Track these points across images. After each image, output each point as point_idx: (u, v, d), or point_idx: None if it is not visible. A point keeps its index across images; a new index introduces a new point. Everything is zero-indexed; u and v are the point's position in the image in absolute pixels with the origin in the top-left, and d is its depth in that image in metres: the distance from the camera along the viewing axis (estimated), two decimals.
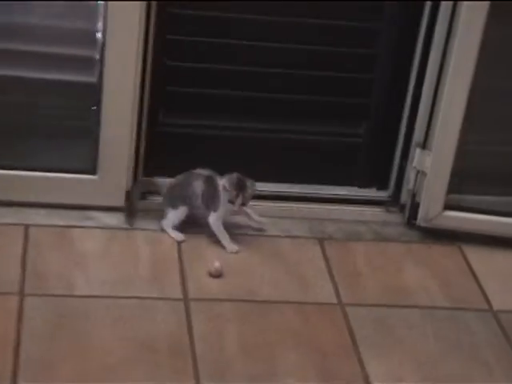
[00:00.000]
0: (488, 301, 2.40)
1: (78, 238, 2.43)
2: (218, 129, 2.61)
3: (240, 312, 2.26)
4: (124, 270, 2.35)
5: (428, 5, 2.48)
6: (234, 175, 2.45)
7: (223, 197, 2.45)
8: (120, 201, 2.50)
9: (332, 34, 2.53)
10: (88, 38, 2.43)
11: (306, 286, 2.38)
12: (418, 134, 2.55)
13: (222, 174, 2.47)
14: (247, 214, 2.53)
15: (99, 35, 2.38)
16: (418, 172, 2.56)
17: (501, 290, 2.45)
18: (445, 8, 2.43)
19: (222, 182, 2.45)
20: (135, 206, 2.53)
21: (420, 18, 2.49)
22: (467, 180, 2.62)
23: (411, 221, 2.60)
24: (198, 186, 2.47)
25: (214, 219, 2.46)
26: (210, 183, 2.47)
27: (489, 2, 2.39)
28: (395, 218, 2.64)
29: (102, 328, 2.15)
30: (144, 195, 2.58)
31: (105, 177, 2.48)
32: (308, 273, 2.42)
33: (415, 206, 2.58)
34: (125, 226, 2.49)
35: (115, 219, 2.50)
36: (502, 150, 2.63)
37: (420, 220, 2.57)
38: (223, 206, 2.45)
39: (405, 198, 2.63)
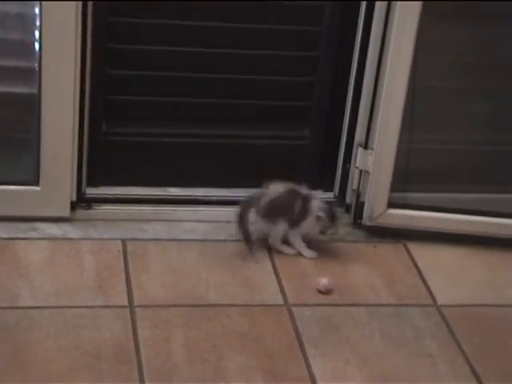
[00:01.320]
0: (432, 296, 2.43)
1: (23, 249, 2.42)
2: (163, 136, 2.60)
3: (186, 317, 2.26)
4: (69, 279, 2.35)
5: (363, 5, 2.47)
6: (329, 206, 2.49)
7: (312, 221, 2.46)
8: (64, 211, 2.50)
9: (273, 38, 2.53)
10: (27, 49, 2.41)
11: (253, 288, 2.39)
12: (359, 135, 2.58)
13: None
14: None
15: (37, 45, 2.40)
16: (362, 172, 2.59)
17: (444, 284, 2.47)
18: (379, 9, 2.44)
19: (316, 207, 2.45)
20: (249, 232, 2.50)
21: (357, 20, 2.50)
22: (410, 178, 2.64)
23: (357, 220, 2.63)
24: (298, 205, 2.47)
25: (294, 237, 2.46)
26: (306, 203, 2.47)
27: (421, 2, 2.41)
28: (341, 218, 2.63)
29: (45, 338, 2.15)
30: (90, 205, 2.57)
31: (48, 188, 2.48)
32: (254, 275, 2.43)
33: (360, 206, 2.61)
34: (70, 236, 2.46)
35: (60, 230, 2.50)
36: (443, 148, 2.64)
37: (365, 219, 2.60)
38: (307, 226, 2.46)
39: (350, 198, 2.65)
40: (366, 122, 2.54)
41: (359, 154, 2.58)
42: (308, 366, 2.16)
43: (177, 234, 2.55)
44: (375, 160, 2.54)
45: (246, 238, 2.48)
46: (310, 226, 2.50)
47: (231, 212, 2.57)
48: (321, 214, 2.48)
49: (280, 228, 2.49)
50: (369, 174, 2.56)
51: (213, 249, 2.50)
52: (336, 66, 2.58)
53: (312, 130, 2.65)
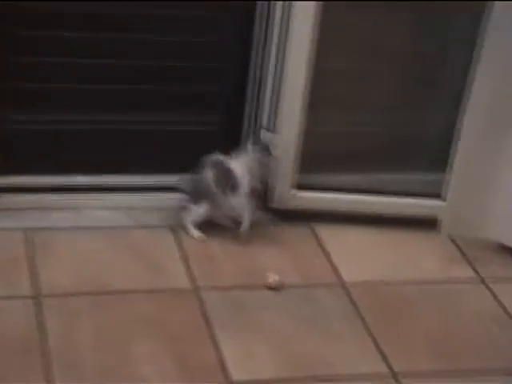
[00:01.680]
0: (339, 276, 2.46)
1: None
2: (69, 123, 2.57)
3: (93, 304, 2.25)
4: None
5: None
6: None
7: (240, 178, 2.43)
8: None
9: (178, 24, 2.52)
10: None
11: (161, 273, 2.39)
12: (264, 118, 2.58)
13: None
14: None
15: None
16: None
17: (351, 264, 2.50)
18: None
19: (236, 164, 2.42)
20: None
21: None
22: (316, 160, 2.66)
23: (265, 204, 2.63)
24: (209, 174, 2.45)
25: (237, 200, 2.45)
26: (220, 167, 2.45)
27: None
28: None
29: None
30: None
31: None
32: (162, 260, 2.43)
33: (268, 189, 2.62)
34: None
35: None
36: (349, 129, 2.68)
37: (273, 202, 2.61)
38: (242, 186, 2.44)
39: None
40: (271, 106, 2.55)
41: (264, 136, 2.56)
42: (217, 349, 2.17)
43: (83, 222, 2.53)
44: (280, 143, 2.54)
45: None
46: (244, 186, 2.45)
47: (138, 199, 2.58)
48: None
49: (200, 210, 2.48)
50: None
51: (119, 235, 2.49)
52: (240, 50, 2.56)
53: (220, 115, 2.63)
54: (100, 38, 2.50)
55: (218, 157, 2.45)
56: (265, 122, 2.59)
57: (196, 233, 2.50)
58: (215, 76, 2.61)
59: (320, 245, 2.57)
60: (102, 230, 2.50)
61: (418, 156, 2.78)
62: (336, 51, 2.62)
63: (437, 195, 2.67)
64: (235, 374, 2.10)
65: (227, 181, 2.44)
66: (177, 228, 2.56)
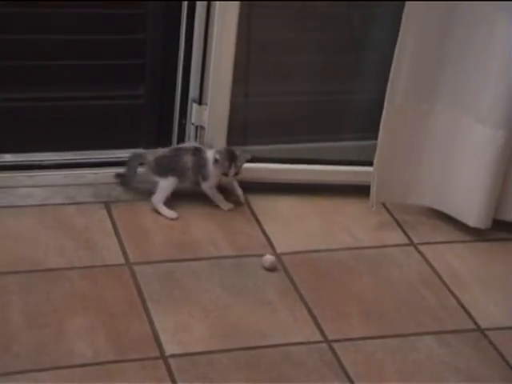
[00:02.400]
0: (272, 245, 2.47)
1: None
2: None
3: (25, 283, 2.24)
4: None
5: None
6: (224, 148, 2.49)
7: (213, 168, 2.46)
8: None
9: None
10: None
11: (93, 249, 2.38)
12: (193, 90, 2.59)
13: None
14: (233, 186, 2.55)
15: None
16: (197, 127, 2.60)
17: (284, 234, 2.52)
18: None
19: (212, 154, 2.46)
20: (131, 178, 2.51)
21: None
22: (246, 131, 2.69)
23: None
24: (188, 160, 2.49)
25: (207, 187, 2.49)
26: (199, 155, 2.50)
27: None
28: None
29: None
30: None
31: None
32: (94, 237, 2.42)
33: None
34: None
35: None
36: (276, 99, 2.68)
37: None
38: (213, 176, 2.47)
39: None
40: (199, 78, 2.55)
41: (194, 109, 2.58)
42: (151, 323, 2.17)
43: (13, 200, 2.51)
44: (210, 115, 2.55)
45: (125, 183, 2.52)
46: (214, 173, 2.50)
47: (68, 176, 2.56)
48: (217, 157, 2.50)
49: (167, 184, 2.49)
50: (204, 129, 2.58)
51: (51, 213, 2.48)
52: (166, 22, 2.55)
53: (147, 88, 2.63)
54: (21, 12, 2.46)
55: (196, 144, 2.51)
56: (194, 94, 2.58)
57: (168, 212, 2.49)
58: (142, 49, 2.57)
59: (253, 215, 2.58)
60: (34, 208, 2.48)
61: (350, 124, 2.80)
62: (265, 22, 2.65)
63: (370, 163, 2.70)
64: (169, 347, 2.10)
65: (201, 170, 2.49)
66: (108, 203, 2.55)
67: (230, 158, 2.51)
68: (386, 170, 2.52)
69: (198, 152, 2.54)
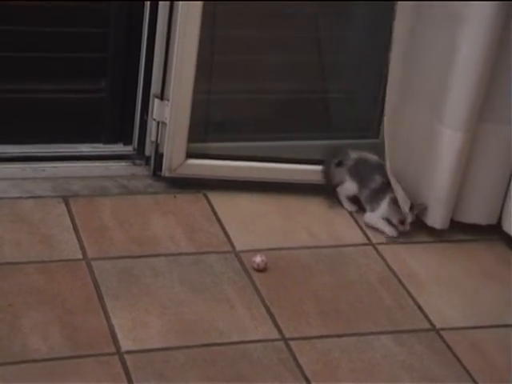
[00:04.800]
0: (231, 242, 2.47)
1: None
2: None
3: None
4: None
5: None
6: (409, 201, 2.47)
7: (388, 207, 2.48)
8: None
9: None
10: None
11: (51, 244, 2.36)
12: (155, 86, 2.57)
13: None
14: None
15: None
16: (159, 123, 2.58)
17: (243, 231, 2.51)
18: None
19: (395, 195, 2.45)
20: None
21: None
22: (208, 128, 2.67)
23: (157, 172, 2.63)
24: (378, 181, 2.49)
25: (369, 218, 2.53)
26: (385, 186, 2.47)
27: None
28: (141, 170, 2.66)
29: None
30: None
31: None
32: (52, 231, 2.41)
33: (159, 157, 2.62)
34: None
35: None
36: (240, 97, 2.68)
37: (164, 170, 2.61)
38: (382, 211, 2.47)
39: (149, 150, 2.64)
40: (161, 73, 2.53)
41: (155, 105, 2.57)
42: (107, 318, 2.16)
43: None
44: (171, 111, 2.54)
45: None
46: (386, 208, 2.48)
47: (27, 169, 2.54)
48: (403, 204, 2.46)
49: (351, 186, 2.53)
50: (166, 125, 2.57)
51: (8, 206, 2.45)
52: (129, 16, 2.54)
53: (109, 82, 2.62)
54: None
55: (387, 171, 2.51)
56: (156, 89, 2.56)
57: (349, 205, 2.53)
58: (105, 43, 2.55)
59: (213, 212, 2.57)
60: None
61: (311, 123, 2.78)
62: (230, 20, 2.63)
63: None
64: (125, 344, 2.09)
65: (377, 200, 2.50)
66: (67, 198, 2.54)
67: (411, 207, 2.48)
68: None
69: (385, 184, 2.49)
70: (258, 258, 2.39)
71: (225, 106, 2.70)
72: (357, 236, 2.58)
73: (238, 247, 2.46)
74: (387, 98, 2.52)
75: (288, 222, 2.56)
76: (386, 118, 2.55)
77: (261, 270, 2.39)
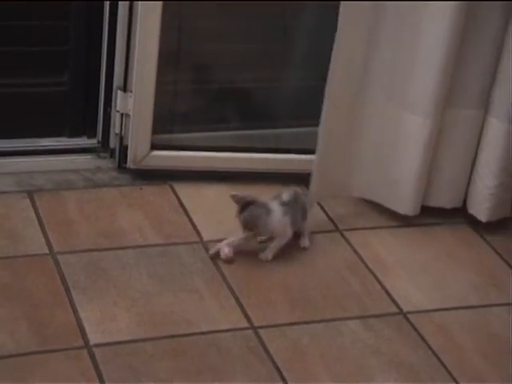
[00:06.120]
0: (198, 233, 2.46)
1: None
2: None
3: None
4: None
5: None
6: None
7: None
8: None
9: None
10: None
11: (15, 239, 2.34)
12: (117, 78, 2.56)
13: None
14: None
15: None
16: (123, 115, 2.57)
17: (209, 221, 2.50)
18: None
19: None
20: None
21: None
22: (173, 119, 2.67)
23: (122, 164, 2.62)
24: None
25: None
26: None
27: None
28: (106, 163, 2.65)
29: None
30: None
31: None
32: (17, 226, 2.39)
33: (124, 150, 2.60)
34: None
35: None
36: (204, 87, 2.68)
37: (130, 163, 2.60)
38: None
39: (113, 142, 2.63)
40: (123, 65, 2.51)
41: (119, 97, 2.56)
42: (75, 312, 2.14)
43: None
44: (135, 103, 2.53)
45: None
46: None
47: None
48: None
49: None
50: (130, 117, 2.55)
51: None
52: (89, 8, 2.52)
53: (70, 75, 2.60)
54: None
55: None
56: (119, 81, 2.54)
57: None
58: (66, 35, 2.53)
59: (179, 203, 2.56)
60: None
61: (277, 112, 2.78)
62: (196, 9, 2.62)
63: (297, 151, 2.67)
64: (94, 337, 2.08)
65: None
66: (32, 192, 2.50)
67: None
68: (324, 165, 2.49)
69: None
70: (225, 249, 2.38)
71: (190, 96, 2.69)
72: (323, 222, 2.57)
73: (206, 237, 2.44)
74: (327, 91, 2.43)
75: None
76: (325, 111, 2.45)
77: (229, 260, 2.37)
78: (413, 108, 2.48)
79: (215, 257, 2.37)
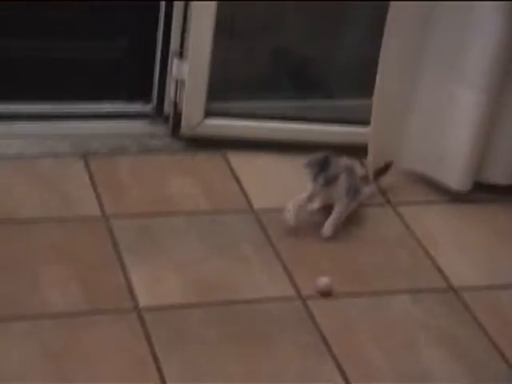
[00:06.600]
0: (249, 202, 2.46)
1: None
2: None
3: (0, 233, 2.23)
4: None
5: None
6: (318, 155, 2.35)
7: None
8: None
9: None
10: None
11: (70, 201, 2.37)
12: (174, 44, 2.56)
13: None
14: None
15: None
16: (178, 82, 2.58)
17: (262, 191, 2.50)
18: None
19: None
20: None
21: None
22: (227, 87, 2.66)
23: (175, 131, 2.63)
24: (343, 180, 2.33)
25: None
26: (351, 180, 2.36)
27: None
28: (160, 129, 2.66)
29: None
30: None
31: None
32: (71, 189, 2.42)
33: (178, 117, 2.60)
34: None
35: None
36: (259, 56, 2.67)
37: (183, 130, 2.60)
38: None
39: (168, 109, 2.64)
40: (180, 31, 2.52)
41: (175, 64, 2.56)
42: (125, 275, 2.17)
43: None
44: (190, 70, 2.53)
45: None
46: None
47: (46, 127, 2.53)
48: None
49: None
50: (184, 83, 2.55)
51: (27, 164, 2.45)
52: None
53: (128, 41, 2.61)
54: None
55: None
56: (175, 47, 2.54)
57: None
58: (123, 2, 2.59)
59: (232, 172, 2.57)
60: (10, 159, 2.45)
61: (341, 82, 2.76)
62: None
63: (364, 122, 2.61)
64: (143, 299, 2.10)
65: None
66: (86, 156, 2.53)
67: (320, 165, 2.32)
68: (380, 135, 2.49)
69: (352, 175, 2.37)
70: (322, 282, 2.21)
71: (245, 64, 2.69)
72: (376, 196, 2.56)
73: (256, 206, 2.45)
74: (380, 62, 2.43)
75: (303, 181, 2.43)
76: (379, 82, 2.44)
77: (324, 294, 2.20)
78: (467, 82, 2.44)
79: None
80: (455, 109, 2.48)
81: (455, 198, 2.59)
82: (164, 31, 2.57)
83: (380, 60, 2.44)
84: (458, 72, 2.45)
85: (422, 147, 2.57)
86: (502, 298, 2.29)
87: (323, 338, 2.09)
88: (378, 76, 2.46)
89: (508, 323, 2.23)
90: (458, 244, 2.44)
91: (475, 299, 2.26)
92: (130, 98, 2.65)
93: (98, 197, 2.40)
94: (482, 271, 2.36)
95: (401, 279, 2.29)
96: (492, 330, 2.18)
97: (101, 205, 2.37)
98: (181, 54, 2.55)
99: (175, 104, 2.61)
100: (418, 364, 2.06)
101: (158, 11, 2.57)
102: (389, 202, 2.56)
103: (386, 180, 2.60)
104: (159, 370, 1.95)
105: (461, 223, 2.52)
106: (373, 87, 2.49)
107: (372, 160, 2.55)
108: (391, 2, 2.41)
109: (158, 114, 2.66)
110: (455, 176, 2.54)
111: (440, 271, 2.34)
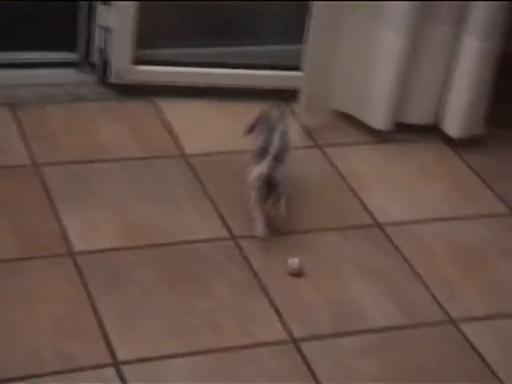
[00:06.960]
0: (180, 147, 2.49)
1: None
2: None
3: None
4: None
5: None
6: None
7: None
8: None
9: None
10: None
11: None
12: None
13: None
14: None
15: None
16: (105, 29, 2.58)
17: (192, 136, 2.53)
18: None
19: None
20: None
21: None
22: (155, 34, 2.65)
23: (104, 79, 2.64)
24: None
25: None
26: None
27: None
28: (88, 78, 2.66)
29: None
30: None
31: None
32: (0, 139, 2.39)
33: (106, 64, 2.61)
34: None
35: None
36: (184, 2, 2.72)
37: (112, 77, 2.61)
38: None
39: (95, 57, 2.63)
40: None
41: (100, 10, 2.55)
42: (58, 221, 2.18)
43: None
44: (117, 17, 2.53)
45: None
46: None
47: None
48: None
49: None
50: (111, 31, 2.56)
51: None
52: None
53: None
54: None
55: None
56: None
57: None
58: None
59: (161, 118, 2.59)
60: None
61: (271, 28, 2.82)
62: None
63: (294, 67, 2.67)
64: (77, 244, 2.13)
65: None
66: (14, 105, 2.52)
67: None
68: (313, 77, 2.54)
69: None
70: (293, 263, 2.18)
71: (173, 11, 2.69)
72: (303, 138, 2.61)
73: (188, 151, 2.48)
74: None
75: (237, 127, 2.47)
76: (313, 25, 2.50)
77: (295, 274, 2.18)
78: (388, 23, 2.50)
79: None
80: (377, 50, 2.55)
81: (381, 139, 2.65)
82: None
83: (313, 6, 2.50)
84: (379, 13, 2.50)
85: (347, 88, 2.62)
86: (424, 231, 2.36)
87: (255, 276, 2.13)
88: (312, 20, 2.49)
89: (429, 254, 2.30)
90: (383, 182, 2.51)
91: (399, 234, 2.33)
92: (57, 46, 2.61)
93: (28, 146, 2.41)
94: (406, 207, 2.43)
95: (328, 217, 2.35)
96: (414, 260, 2.24)
97: (31, 153, 2.38)
98: (106, 1, 2.55)
99: (102, 52, 2.60)
100: (346, 296, 2.11)
101: None
102: (316, 143, 2.63)
103: (315, 122, 2.65)
104: (96, 312, 1.97)
105: (386, 163, 2.58)
106: (295, 34, 2.56)
107: (306, 103, 2.59)
108: None
109: (86, 62, 2.64)
110: (376, 115, 2.61)
111: (366, 209, 2.40)
